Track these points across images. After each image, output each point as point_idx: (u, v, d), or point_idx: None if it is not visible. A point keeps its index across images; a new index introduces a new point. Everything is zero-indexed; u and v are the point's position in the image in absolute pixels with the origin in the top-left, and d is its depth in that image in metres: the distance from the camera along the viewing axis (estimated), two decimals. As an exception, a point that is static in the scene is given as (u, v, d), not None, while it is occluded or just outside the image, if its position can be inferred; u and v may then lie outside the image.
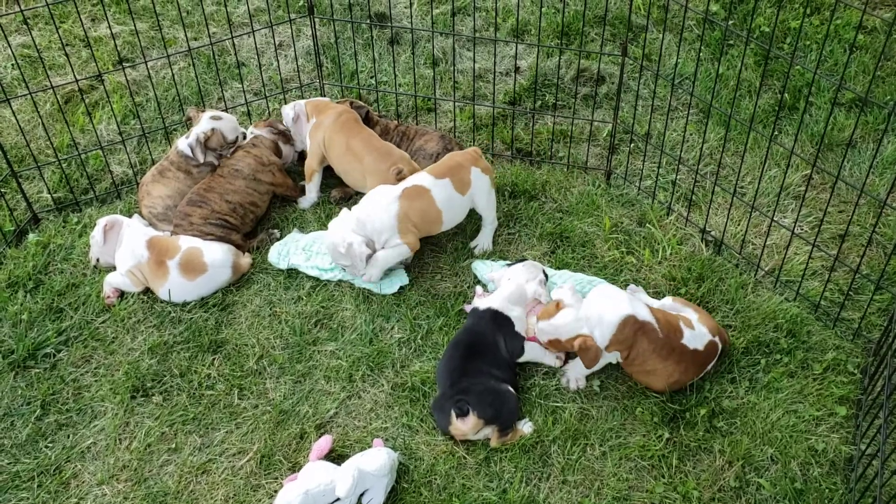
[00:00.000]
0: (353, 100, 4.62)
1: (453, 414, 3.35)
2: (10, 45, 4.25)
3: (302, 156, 4.64)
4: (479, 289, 3.98)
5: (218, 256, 4.01)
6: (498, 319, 3.60)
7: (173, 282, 3.94)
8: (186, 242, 4.03)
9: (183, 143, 4.32)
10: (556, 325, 3.49)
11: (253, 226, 4.37)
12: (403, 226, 3.92)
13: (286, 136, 4.55)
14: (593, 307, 3.45)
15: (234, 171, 4.26)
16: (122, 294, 4.03)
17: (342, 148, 4.25)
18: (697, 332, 3.50)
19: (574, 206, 4.43)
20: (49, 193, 4.49)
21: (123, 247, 4.03)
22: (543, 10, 5.70)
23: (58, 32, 4.21)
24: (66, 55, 4.35)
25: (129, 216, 4.26)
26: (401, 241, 3.94)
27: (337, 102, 4.56)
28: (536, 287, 3.70)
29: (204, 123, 4.33)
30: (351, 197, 4.52)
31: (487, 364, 3.49)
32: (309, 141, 4.42)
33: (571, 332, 3.46)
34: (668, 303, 3.74)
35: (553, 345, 3.55)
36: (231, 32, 4.78)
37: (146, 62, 4.50)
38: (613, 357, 3.54)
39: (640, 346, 3.44)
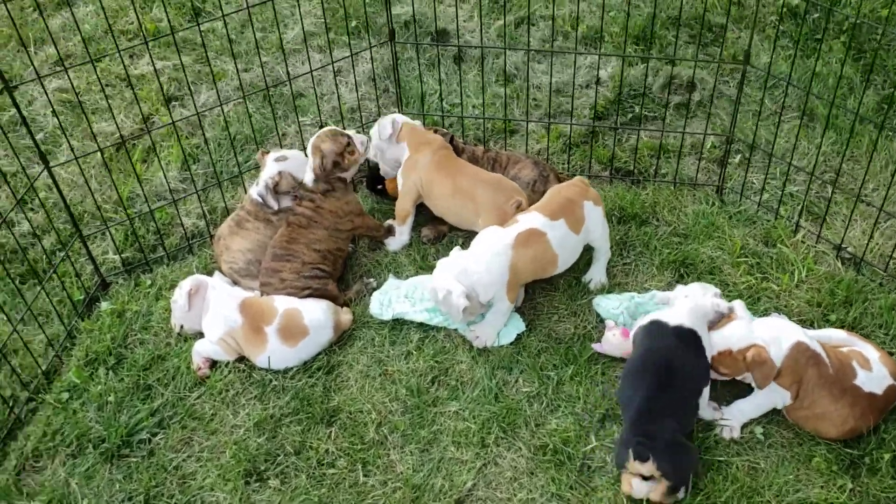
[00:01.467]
0: (437, 128, 4.24)
1: (631, 454, 3.00)
2: (46, 91, 3.78)
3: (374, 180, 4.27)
4: (610, 322, 3.62)
5: (318, 316, 3.63)
6: (688, 338, 3.23)
7: (273, 349, 3.56)
8: (282, 304, 3.65)
9: (254, 191, 3.95)
10: (727, 334, 3.20)
11: (343, 269, 4.00)
12: (513, 278, 3.56)
13: (342, 154, 3.94)
14: (766, 327, 3.21)
15: (313, 222, 3.87)
16: (213, 364, 3.65)
17: (447, 188, 3.87)
18: (875, 374, 3.15)
19: (691, 228, 4.07)
20: (118, 254, 4.09)
21: (212, 312, 3.64)
22: (611, 13, 5.35)
23: (96, 73, 3.80)
24: (107, 99, 3.93)
25: (208, 273, 3.88)
26: (504, 297, 3.58)
27: (433, 127, 4.21)
28: (715, 300, 3.34)
29: (270, 168, 3.96)
30: (444, 235, 4.15)
31: (679, 402, 3.13)
32: (401, 179, 4.03)
33: (744, 343, 3.16)
34: (838, 335, 3.39)
35: (722, 359, 3.21)
36: (285, 60, 4.38)
37: (195, 106, 4.10)
38: (780, 399, 3.20)
39: (810, 380, 3.12)
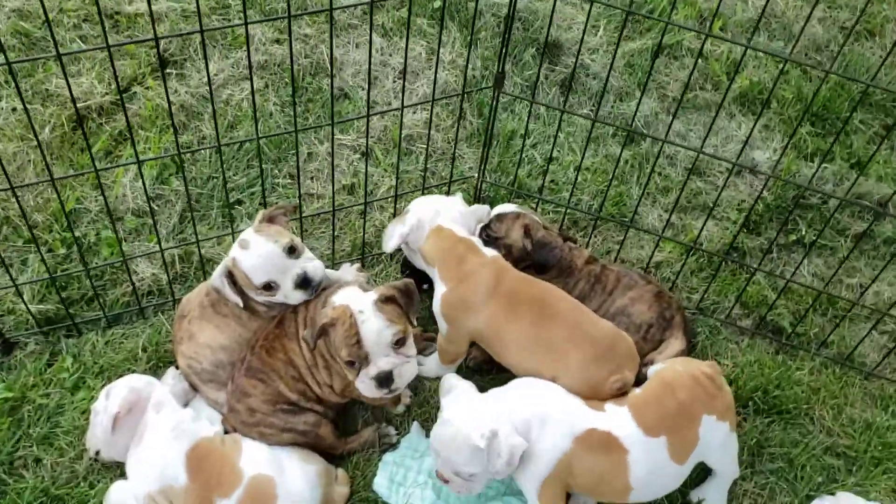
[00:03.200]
0: (562, 232, 2.89)
1: None
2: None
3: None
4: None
5: (298, 487, 2.41)
6: None
7: (226, 532, 2.35)
8: (250, 464, 2.40)
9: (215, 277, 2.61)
10: None
11: (344, 405, 2.72)
12: (555, 480, 2.35)
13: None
14: None
15: (298, 338, 2.57)
16: (132, 523, 2.43)
17: (526, 339, 2.54)
18: None
19: (857, 443, 2.80)
20: (27, 305, 2.79)
21: (146, 450, 2.42)
22: (787, 70, 3.92)
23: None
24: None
25: (155, 369, 2.63)
26: (535, 497, 2.36)
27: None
28: None
29: (233, 249, 2.58)
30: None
31: None
32: (441, 322, 2.65)
33: None
34: None
35: None
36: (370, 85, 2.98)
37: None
38: None
39: None
